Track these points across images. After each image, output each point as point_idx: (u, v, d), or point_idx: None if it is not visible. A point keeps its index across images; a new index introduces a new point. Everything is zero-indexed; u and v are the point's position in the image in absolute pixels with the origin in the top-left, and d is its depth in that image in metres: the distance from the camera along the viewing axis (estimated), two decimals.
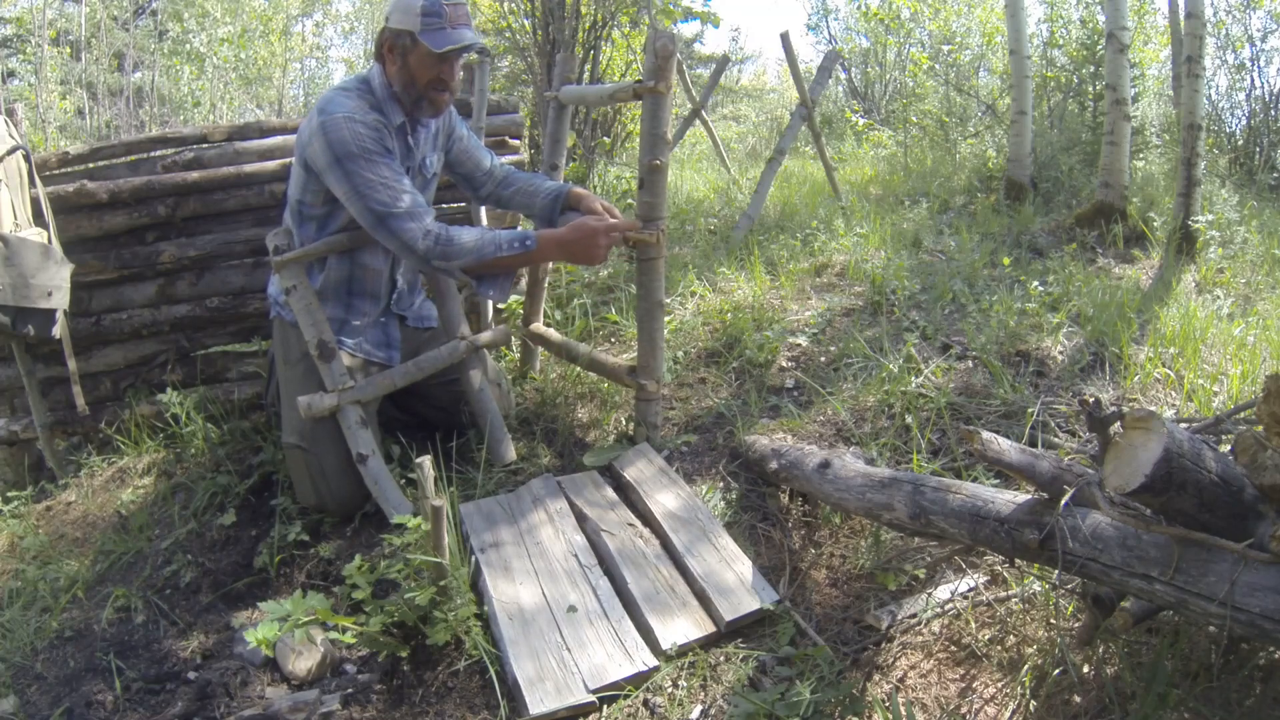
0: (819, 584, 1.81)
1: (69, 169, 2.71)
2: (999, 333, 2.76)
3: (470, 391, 2.33)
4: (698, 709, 1.51)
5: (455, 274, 2.08)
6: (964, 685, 1.48)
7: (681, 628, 1.66)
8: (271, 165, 2.71)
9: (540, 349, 2.85)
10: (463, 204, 2.96)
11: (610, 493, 2.12)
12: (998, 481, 1.94)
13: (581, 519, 2.02)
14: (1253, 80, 6.43)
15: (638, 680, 1.56)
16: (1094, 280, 3.39)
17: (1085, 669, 1.44)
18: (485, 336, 2.40)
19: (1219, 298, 3.28)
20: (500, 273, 2.13)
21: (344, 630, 1.63)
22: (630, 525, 1.97)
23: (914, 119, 7.32)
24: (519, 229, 2.11)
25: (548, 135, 2.71)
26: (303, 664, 1.72)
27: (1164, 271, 3.64)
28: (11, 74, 11.16)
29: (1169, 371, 2.51)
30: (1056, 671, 1.43)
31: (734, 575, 1.77)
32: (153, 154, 2.78)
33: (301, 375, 2.18)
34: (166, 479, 2.46)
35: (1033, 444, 2.09)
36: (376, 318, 2.31)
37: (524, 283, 3.11)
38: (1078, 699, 1.38)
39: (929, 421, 2.26)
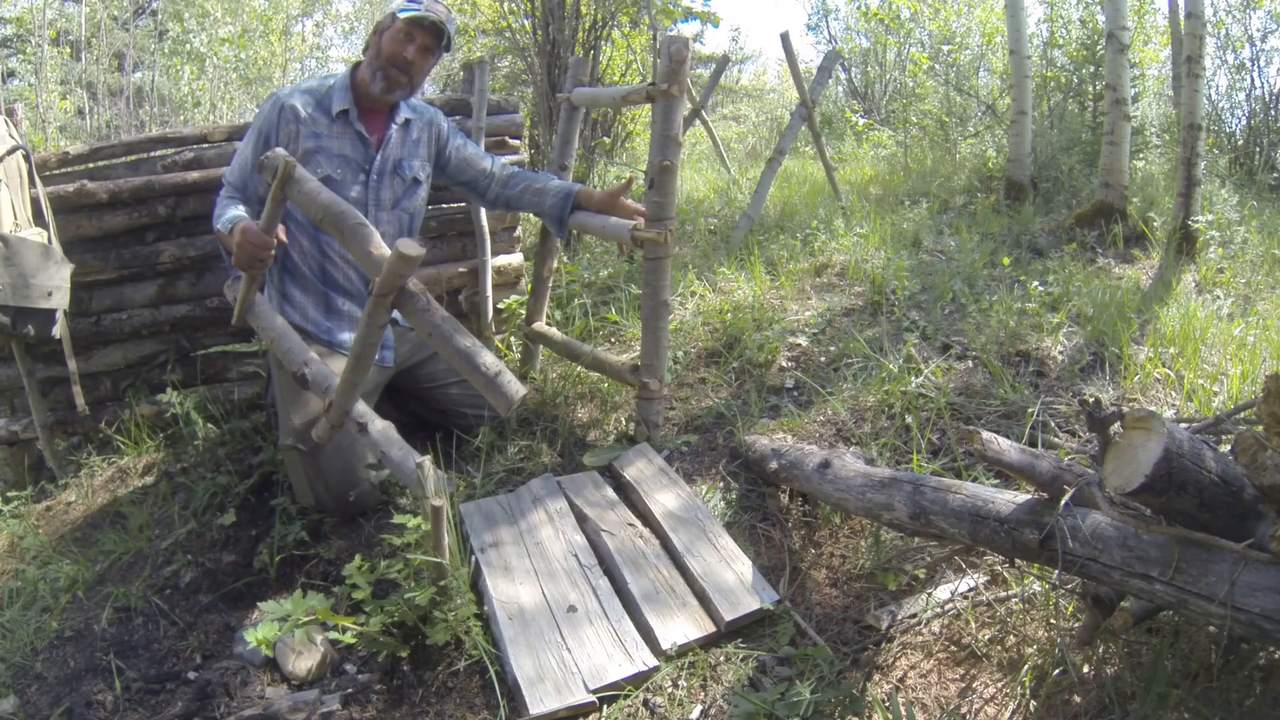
0: (819, 584, 1.81)
1: (69, 169, 2.71)
2: (999, 333, 2.76)
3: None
4: (698, 709, 1.51)
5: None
6: (964, 685, 1.48)
7: (681, 628, 1.66)
8: None
9: (541, 348, 2.85)
10: (462, 204, 2.96)
11: (610, 493, 2.12)
12: (998, 481, 1.94)
13: (581, 519, 2.02)
14: (1253, 80, 6.43)
15: (638, 680, 1.56)
16: (1094, 280, 3.39)
17: (1085, 669, 1.44)
18: None
19: (1219, 298, 3.28)
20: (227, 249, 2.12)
21: (344, 630, 1.62)
22: (630, 525, 1.97)
23: (914, 119, 7.31)
24: (238, 213, 2.13)
25: (558, 136, 2.72)
26: (303, 664, 1.72)
27: (1164, 271, 3.64)
28: (11, 74, 11.16)
29: (1169, 371, 2.51)
30: (1056, 671, 1.43)
31: (734, 575, 1.77)
32: (153, 154, 2.78)
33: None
34: (166, 479, 2.46)
35: (1033, 444, 2.09)
36: (356, 315, 2.31)
37: (524, 282, 3.12)
38: (1078, 699, 1.38)
39: (929, 421, 2.26)
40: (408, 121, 2.30)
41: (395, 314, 2.39)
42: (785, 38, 4.81)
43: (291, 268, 2.25)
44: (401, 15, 2.14)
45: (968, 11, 8.69)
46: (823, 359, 2.73)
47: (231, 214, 2.08)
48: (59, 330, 2.42)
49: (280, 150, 1.82)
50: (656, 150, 2.18)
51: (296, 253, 2.24)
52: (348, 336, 2.27)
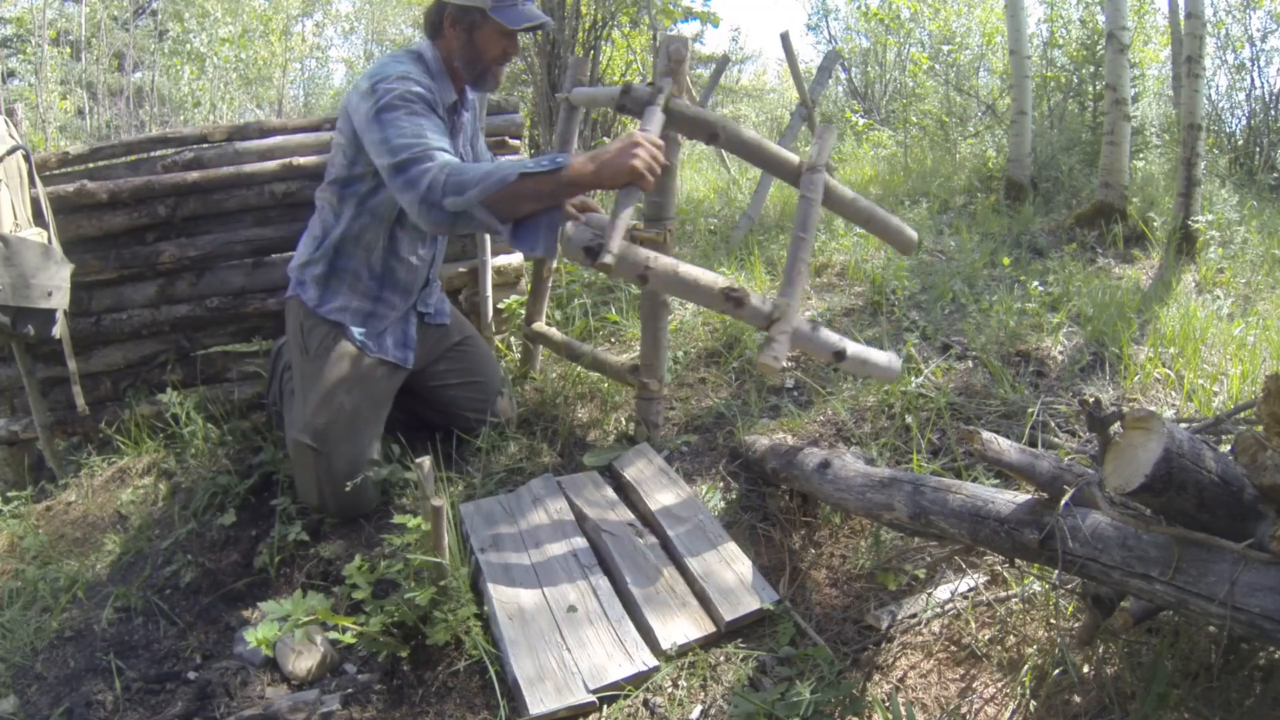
0: (819, 584, 1.81)
1: (69, 169, 2.70)
2: (999, 333, 2.76)
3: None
4: (698, 709, 1.51)
5: (477, 214, 1.71)
6: (964, 685, 1.48)
7: (681, 628, 1.66)
8: (271, 165, 2.71)
9: (541, 348, 2.85)
10: None
11: (610, 493, 2.12)
12: (998, 481, 1.94)
13: (581, 519, 2.02)
14: (1253, 80, 6.44)
15: (638, 680, 1.56)
16: (1094, 280, 3.39)
17: (1085, 669, 1.44)
18: None
19: (1219, 298, 3.28)
20: (534, 208, 1.74)
21: (344, 630, 1.62)
22: (630, 525, 1.97)
23: (914, 119, 7.32)
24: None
25: (557, 135, 2.73)
26: (303, 664, 1.72)
27: (1164, 271, 3.64)
28: (11, 74, 11.16)
29: (1169, 371, 2.51)
30: (1056, 671, 1.43)
31: (734, 575, 1.77)
32: (153, 154, 2.78)
33: (323, 371, 2.12)
34: (166, 479, 2.45)
35: (1033, 444, 2.09)
36: (403, 313, 2.30)
37: (524, 283, 3.12)
38: (1078, 699, 1.38)
39: (929, 421, 2.26)
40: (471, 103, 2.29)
41: (426, 308, 2.37)
42: (785, 38, 4.81)
43: (359, 255, 2.17)
44: (510, 27, 2.00)
45: (968, 11, 8.69)
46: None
47: (537, 158, 1.74)
48: (59, 330, 2.42)
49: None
50: None
51: (362, 248, 2.16)
52: (374, 345, 2.21)
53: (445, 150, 1.82)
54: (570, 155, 1.76)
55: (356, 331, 2.19)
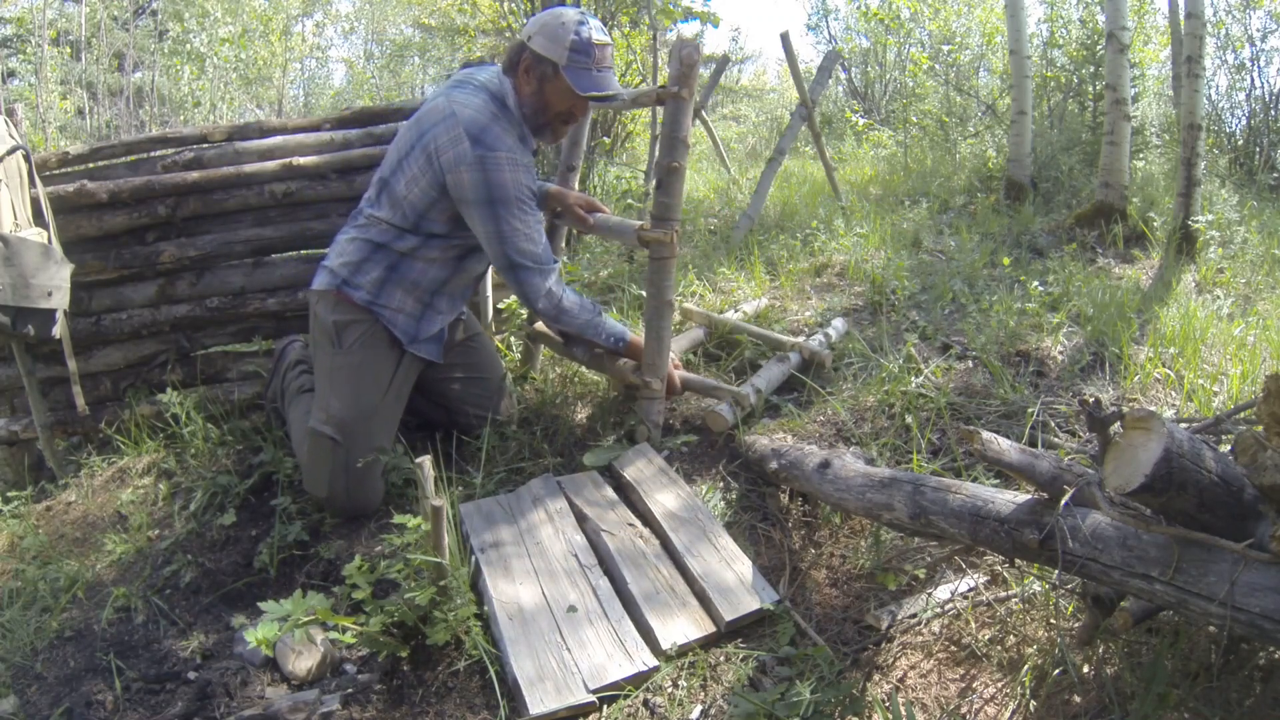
0: (819, 584, 1.81)
1: (69, 169, 2.71)
2: (999, 333, 2.76)
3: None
4: (698, 709, 1.51)
5: (555, 333, 2.51)
6: (964, 685, 1.48)
7: (681, 628, 1.66)
8: (271, 165, 2.71)
9: (542, 348, 2.85)
10: None
11: (610, 493, 2.12)
12: (998, 481, 1.94)
13: (581, 519, 2.02)
14: (1253, 80, 6.44)
15: (638, 680, 1.56)
16: (1094, 280, 3.39)
17: (1085, 669, 1.44)
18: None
19: (1219, 298, 3.28)
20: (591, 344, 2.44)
21: (344, 630, 1.62)
22: (630, 525, 1.97)
23: (914, 119, 7.32)
24: (621, 326, 2.38)
25: (567, 137, 2.72)
26: (303, 664, 1.72)
27: (1164, 271, 3.64)
28: (11, 74, 11.16)
29: (1169, 371, 2.51)
30: (1056, 671, 1.43)
31: (734, 575, 1.77)
32: (153, 154, 2.78)
33: (357, 365, 2.13)
34: (166, 479, 2.45)
35: (1033, 444, 2.09)
36: (452, 318, 2.32)
37: None
38: (1078, 699, 1.38)
39: (929, 421, 2.26)
40: None
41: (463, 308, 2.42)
42: (785, 38, 4.81)
43: (420, 266, 2.19)
44: (580, 93, 2.02)
45: (968, 11, 8.70)
46: None
47: (606, 323, 2.34)
48: (59, 330, 2.42)
49: None
50: (665, 151, 2.19)
51: (434, 268, 2.20)
52: (424, 350, 2.28)
53: (548, 259, 2.17)
54: (630, 336, 2.36)
55: (401, 328, 2.20)
